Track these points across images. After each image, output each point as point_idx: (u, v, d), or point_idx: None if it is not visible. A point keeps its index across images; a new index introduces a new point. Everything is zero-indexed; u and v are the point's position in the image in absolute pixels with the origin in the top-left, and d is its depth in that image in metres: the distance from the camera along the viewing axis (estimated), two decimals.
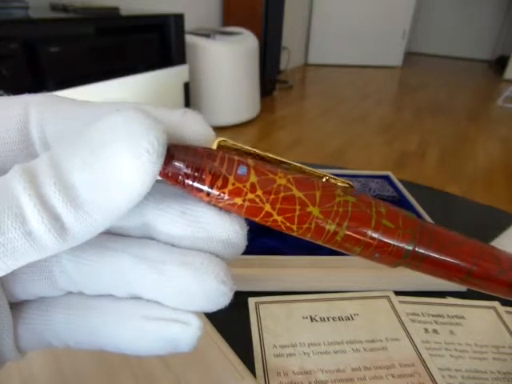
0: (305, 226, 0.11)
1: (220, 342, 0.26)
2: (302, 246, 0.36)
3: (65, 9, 1.31)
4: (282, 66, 2.94)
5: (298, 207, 0.11)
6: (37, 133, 0.11)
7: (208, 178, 0.10)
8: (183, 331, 0.11)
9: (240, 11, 2.41)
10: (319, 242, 0.12)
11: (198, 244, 0.11)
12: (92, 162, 0.09)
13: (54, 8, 1.38)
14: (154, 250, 0.11)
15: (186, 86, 1.68)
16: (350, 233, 0.11)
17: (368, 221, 0.11)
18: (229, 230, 0.11)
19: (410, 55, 4.20)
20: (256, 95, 2.20)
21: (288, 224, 0.11)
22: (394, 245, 0.12)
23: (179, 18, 1.57)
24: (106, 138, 0.09)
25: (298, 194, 0.11)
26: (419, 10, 4.10)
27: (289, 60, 3.13)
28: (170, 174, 0.10)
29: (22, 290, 0.12)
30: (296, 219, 0.11)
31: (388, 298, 0.33)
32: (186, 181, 0.10)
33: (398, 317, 0.31)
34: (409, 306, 0.33)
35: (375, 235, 0.11)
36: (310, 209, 0.11)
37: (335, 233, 0.11)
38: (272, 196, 0.11)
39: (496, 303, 0.33)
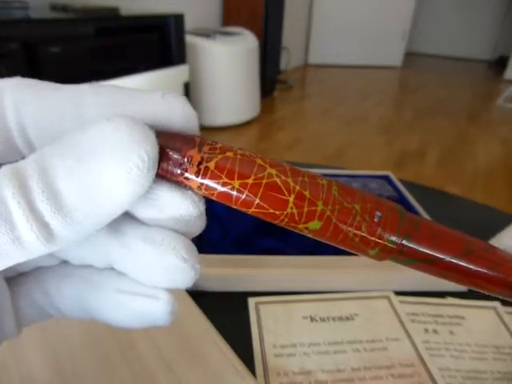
0: (299, 178, 0.11)
1: (220, 341, 0.26)
2: (302, 246, 0.36)
3: (65, 9, 1.31)
4: (282, 66, 2.94)
5: (288, 167, 0.11)
6: (14, 119, 0.11)
7: (197, 141, 0.11)
8: (152, 306, 0.11)
9: (240, 11, 2.41)
10: (317, 205, 0.11)
11: (155, 221, 0.11)
12: (80, 172, 0.09)
13: (54, 8, 1.38)
14: (123, 224, 0.12)
15: (186, 86, 1.68)
16: (341, 188, 0.11)
17: (353, 191, 0.12)
18: (180, 208, 0.11)
19: (410, 55, 4.20)
20: (256, 95, 2.20)
21: (283, 177, 0.11)
22: (384, 210, 0.12)
23: (179, 18, 1.58)
24: (94, 149, 0.09)
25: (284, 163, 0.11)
26: (419, 10, 4.10)
27: (289, 60, 3.13)
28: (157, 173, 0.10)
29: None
30: (289, 172, 0.11)
31: (388, 298, 0.33)
32: (174, 170, 0.10)
33: (398, 317, 0.31)
34: (409, 306, 0.33)
35: (363, 198, 0.12)
36: (301, 173, 0.11)
37: (329, 186, 0.11)
38: (260, 155, 0.11)
39: (496, 303, 0.33)
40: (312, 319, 0.31)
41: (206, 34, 1.93)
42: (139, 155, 0.09)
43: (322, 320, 0.31)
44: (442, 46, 4.49)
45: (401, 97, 3.01)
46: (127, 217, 0.12)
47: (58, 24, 1.19)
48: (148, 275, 0.11)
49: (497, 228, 0.42)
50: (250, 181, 0.11)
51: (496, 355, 0.29)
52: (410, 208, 0.43)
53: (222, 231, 0.38)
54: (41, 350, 0.25)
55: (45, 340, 0.25)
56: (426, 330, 0.31)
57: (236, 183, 0.11)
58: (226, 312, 0.30)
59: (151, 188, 0.11)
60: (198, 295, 0.30)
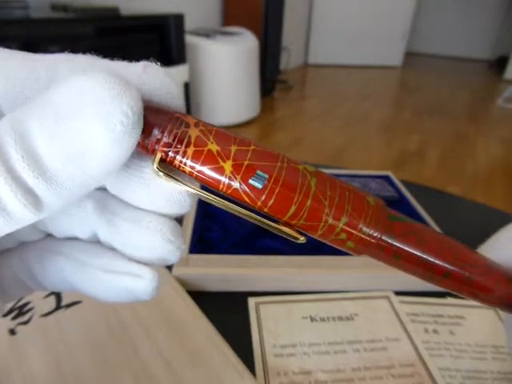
0: (281, 161, 0.11)
1: (220, 341, 0.26)
2: (302, 246, 0.36)
3: (65, 9, 1.31)
4: (282, 66, 2.94)
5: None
6: None
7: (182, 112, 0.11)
8: (136, 283, 0.11)
9: (240, 11, 2.41)
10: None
11: (144, 202, 0.11)
12: (60, 133, 0.08)
13: (54, 8, 1.38)
14: (111, 203, 0.12)
15: (186, 86, 1.68)
16: (322, 173, 0.12)
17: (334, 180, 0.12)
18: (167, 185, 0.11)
19: (410, 55, 4.20)
20: (256, 95, 2.20)
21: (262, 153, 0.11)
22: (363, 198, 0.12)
23: (179, 18, 1.57)
24: (73, 107, 0.08)
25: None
26: (419, 10, 4.09)
27: (289, 60, 3.13)
28: (141, 144, 0.10)
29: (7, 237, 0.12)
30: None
31: (388, 298, 0.33)
32: (160, 147, 0.10)
33: (398, 317, 0.31)
34: (409, 306, 0.33)
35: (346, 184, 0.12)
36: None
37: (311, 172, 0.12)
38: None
39: None
40: (312, 319, 0.31)
41: (206, 34, 1.93)
42: (122, 110, 0.08)
43: (322, 320, 0.31)
44: (442, 46, 4.49)
45: (401, 97, 3.00)
46: (115, 198, 0.12)
47: (57, 24, 1.19)
48: (134, 252, 0.12)
49: (496, 228, 0.42)
50: (240, 137, 0.11)
51: (496, 355, 0.29)
52: (410, 208, 0.43)
53: (222, 231, 0.38)
54: (42, 350, 0.25)
55: (46, 341, 0.25)
56: (426, 330, 0.31)
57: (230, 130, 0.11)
58: (226, 312, 0.30)
59: (140, 166, 0.11)
60: (198, 295, 0.30)
